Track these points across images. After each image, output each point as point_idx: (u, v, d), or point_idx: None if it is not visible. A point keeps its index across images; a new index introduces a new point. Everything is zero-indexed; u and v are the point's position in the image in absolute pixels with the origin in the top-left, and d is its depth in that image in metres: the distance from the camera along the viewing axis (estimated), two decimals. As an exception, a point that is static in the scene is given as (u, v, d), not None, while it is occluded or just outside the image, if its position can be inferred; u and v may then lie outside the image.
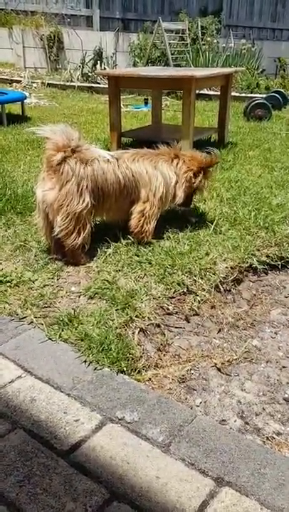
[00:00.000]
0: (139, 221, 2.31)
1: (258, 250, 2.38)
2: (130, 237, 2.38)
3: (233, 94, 4.86)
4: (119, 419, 1.34)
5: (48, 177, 2.10)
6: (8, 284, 2.00)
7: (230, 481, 1.17)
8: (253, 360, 1.78)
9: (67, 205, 2.07)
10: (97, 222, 2.49)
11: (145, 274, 2.11)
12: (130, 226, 2.33)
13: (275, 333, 1.97)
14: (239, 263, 2.26)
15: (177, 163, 2.43)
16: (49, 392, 1.44)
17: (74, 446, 1.25)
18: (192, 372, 1.69)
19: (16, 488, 1.12)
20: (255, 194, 3.11)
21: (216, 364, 1.74)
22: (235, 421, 1.49)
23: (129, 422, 1.33)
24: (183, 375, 1.66)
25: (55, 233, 2.12)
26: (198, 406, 1.55)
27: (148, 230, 2.33)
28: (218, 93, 4.99)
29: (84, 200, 2.09)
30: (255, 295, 2.21)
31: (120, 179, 2.22)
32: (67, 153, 2.05)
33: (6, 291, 1.96)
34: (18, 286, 1.99)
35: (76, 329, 1.72)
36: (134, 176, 2.27)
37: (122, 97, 4.32)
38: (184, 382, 1.65)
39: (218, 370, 1.71)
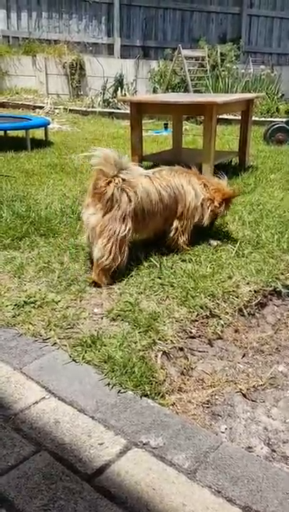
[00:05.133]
0: (174, 235, 2.50)
1: (282, 274, 2.36)
2: (152, 260, 2.38)
3: (253, 118, 4.89)
4: (144, 444, 1.32)
5: (93, 203, 2.17)
6: (32, 305, 2.01)
7: (259, 510, 1.13)
8: (279, 386, 1.75)
9: (110, 230, 2.12)
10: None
11: (167, 297, 2.10)
12: (167, 241, 2.52)
13: (301, 358, 1.93)
14: (263, 287, 2.24)
15: (206, 191, 2.59)
16: (73, 414, 1.43)
17: (99, 470, 1.23)
18: (216, 397, 1.67)
19: (41, 512, 1.11)
20: (278, 217, 3.10)
21: (241, 389, 1.71)
22: (261, 448, 1.46)
23: (154, 447, 1.31)
24: (207, 400, 1.64)
25: (95, 256, 2.18)
26: (223, 432, 1.52)
27: (183, 241, 2.53)
28: (238, 117, 5.04)
29: (126, 226, 2.15)
30: (279, 319, 2.18)
31: (162, 197, 2.33)
32: (116, 181, 2.11)
33: (30, 312, 1.97)
34: (42, 307, 2.00)
35: (99, 351, 1.72)
36: (174, 193, 2.39)
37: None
38: (208, 407, 1.62)
39: (244, 395, 1.68)
